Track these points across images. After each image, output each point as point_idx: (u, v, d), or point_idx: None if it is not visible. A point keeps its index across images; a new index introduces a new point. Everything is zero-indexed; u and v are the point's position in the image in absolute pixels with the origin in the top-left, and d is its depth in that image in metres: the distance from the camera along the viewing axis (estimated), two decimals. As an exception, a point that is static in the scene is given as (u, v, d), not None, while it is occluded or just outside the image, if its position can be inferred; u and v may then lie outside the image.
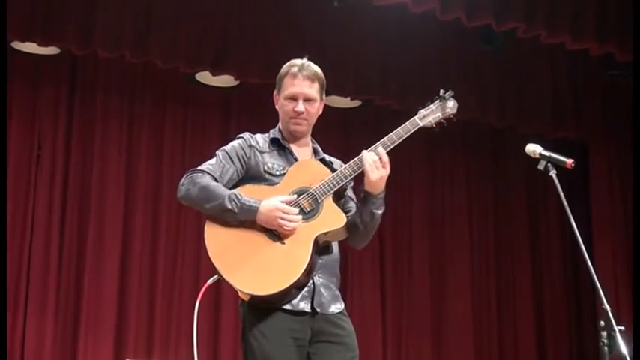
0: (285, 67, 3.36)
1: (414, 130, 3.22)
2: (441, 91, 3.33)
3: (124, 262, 6.59)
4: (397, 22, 6.31)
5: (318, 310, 3.11)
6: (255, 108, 6.94)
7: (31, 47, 6.21)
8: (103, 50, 6.09)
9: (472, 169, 7.99)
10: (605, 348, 2.76)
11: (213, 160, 3.24)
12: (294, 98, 3.28)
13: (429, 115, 3.27)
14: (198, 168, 3.21)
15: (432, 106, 3.29)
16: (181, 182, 3.19)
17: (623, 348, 2.72)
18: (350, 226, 3.22)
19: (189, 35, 6.27)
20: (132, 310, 6.52)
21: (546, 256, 8.06)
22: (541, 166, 3.16)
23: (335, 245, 3.27)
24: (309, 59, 3.36)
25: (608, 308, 2.79)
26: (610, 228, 7.57)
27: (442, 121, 3.29)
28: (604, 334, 2.77)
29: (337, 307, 3.19)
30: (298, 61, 3.34)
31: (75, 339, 6.35)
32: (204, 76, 6.74)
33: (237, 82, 6.84)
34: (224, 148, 3.29)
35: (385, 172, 3.13)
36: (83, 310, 6.38)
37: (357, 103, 7.17)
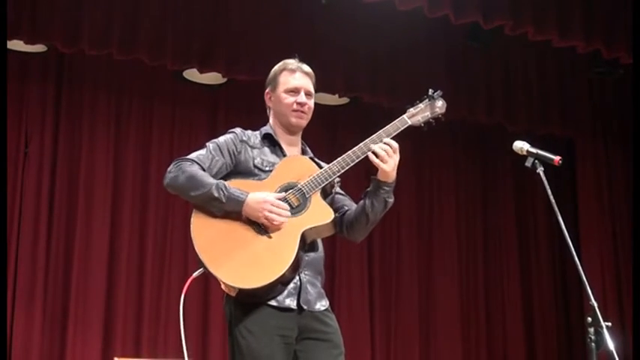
0: (279, 65, 3.40)
1: (402, 129, 3.23)
2: (430, 91, 3.32)
3: (112, 260, 6.57)
4: (385, 19, 6.32)
5: (305, 307, 3.11)
6: (243, 105, 6.93)
7: (17, 45, 6.18)
8: (90, 48, 6.06)
9: (460, 166, 8.01)
10: (593, 344, 2.76)
11: (203, 151, 3.23)
12: (296, 91, 3.32)
13: (418, 114, 3.28)
14: (187, 157, 3.19)
15: (420, 105, 3.30)
16: (169, 169, 3.17)
17: (610, 344, 2.73)
18: (354, 220, 3.24)
19: (177, 32, 6.24)
20: (120, 309, 6.50)
21: (534, 253, 8.08)
22: (528, 163, 3.16)
23: (320, 243, 3.28)
24: (300, 59, 3.40)
25: (596, 304, 2.79)
26: (597, 224, 7.60)
27: (430, 120, 3.30)
28: (591, 330, 2.77)
29: (322, 304, 3.19)
30: (292, 60, 3.39)
31: (63, 338, 6.32)
32: (192, 74, 6.72)
33: (224, 80, 6.83)
34: (215, 140, 3.28)
35: (397, 158, 3.15)
36: (71, 309, 6.35)
37: (345, 100, 7.16)
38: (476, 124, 7.56)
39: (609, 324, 2.77)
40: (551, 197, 3.05)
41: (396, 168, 3.16)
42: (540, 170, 3.13)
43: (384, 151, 3.12)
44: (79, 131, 6.67)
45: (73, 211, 6.54)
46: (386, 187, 3.17)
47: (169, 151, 6.90)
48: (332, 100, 7.01)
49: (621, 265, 7.47)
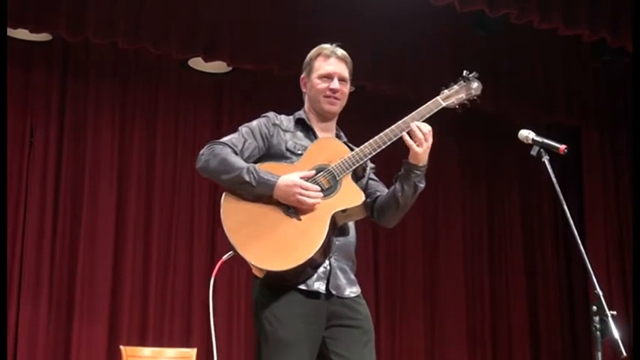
0: (315, 50, 3.35)
1: (436, 110, 3.17)
2: (465, 72, 3.28)
3: (118, 250, 6.59)
4: (390, 7, 6.30)
5: (334, 292, 3.07)
6: (248, 94, 6.93)
7: (22, 33, 6.18)
8: (95, 37, 6.05)
9: (465, 155, 8.00)
10: (598, 333, 2.76)
11: (235, 134, 3.19)
12: (329, 77, 3.27)
13: (452, 96, 3.22)
14: (220, 140, 3.16)
15: (455, 86, 3.24)
16: (201, 152, 3.14)
17: (615, 333, 2.73)
18: (385, 204, 3.20)
19: (182, 21, 6.24)
20: (126, 298, 6.52)
21: (539, 242, 8.09)
22: (534, 152, 3.14)
23: (352, 228, 3.23)
24: (339, 46, 3.35)
25: (601, 293, 2.79)
26: (602, 213, 7.59)
27: (465, 102, 3.24)
28: (596, 319, 2.77)
29: (353, 291, 3.15)
30: (328, 45, 3.34)
31: (69, 327, 6.35)
32: (197, 62, 6.73)
33: (229, 69, 6.83)
34: (247, 124, 3.24)
35: (430, 141, 3.10)
36: (77, 297, 6.37)
37: (349, 89, 7.14)
38: (481, 114, 7.54)
39: (614, 313, 2.77)
40: (557, 186, 3.05)
41: (428, 151, 3.11)
42: (546, 159, 3.11)
43: (421, 133, 3.07)
44: (84, 120, 6.68)
45: (79, 200, 6.55)
46: (417, 171, 3.11)
47: (174, 139, 6.91)
48: (336, 88, 6.99)
49: (626, 254, 7.46)
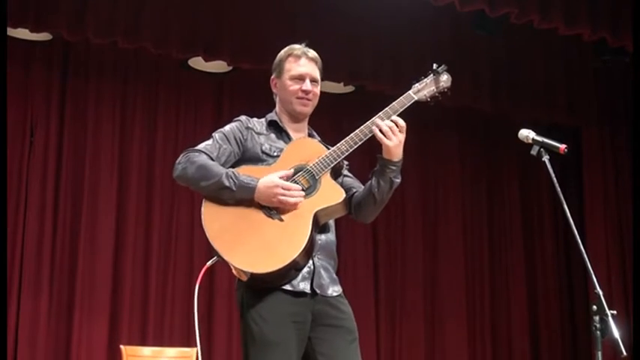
0: (285, 51, 3.35)
1: (408, 104, 3.18)
2: (434, 65, 3.29)
3: (118, 248, 6.59)
4: (390, 6, 6.30)
5: (318, 291, 3.08)
6: (248, 93, 6.93)
7: (22, 33, 6.18)
8: (95, 36, 6.06)
9: (465, 155, 8.00)
10: (598, 332, 2.76)
11: (209, 141, 3.19)
12: (301, 78, 3.27)
13: (424, 89, 3.24)
14: (195, 147, 3.16)
15: (425, 80, 3.26)
16: (178, 161, 3.14)
17: (616, 332, 2.73)
18: (362, 200, 3.20)
19: (182, 21, 6.24)
20: (126, 297, 6.53)
21: (539, 241, 8.09)
22: (534, 152, 3.15)
23: (332, 225, 3.25)
24: (307, 45, 3.36)
25: (601, 293, 2.79)
26: (602, 213, 7.59)
27: (437, 94, 3.26)
28: (596, 318, 2.77)
29: (335, 290, 3.17)
30: (298, 45, 3.34)
31: (69, 327, 6.35)
32: (197, 62, 6.73)
33: (230, 68, 6.83)
34: (221, 129, 3.24)
35: (402, 136, 3.09)
36: (77, 297, 6.37)
37: (350, 88, 7.16)
38: (481, 113, 7.55)
39: (614, 312, 2.77)
40: (557, 185, 3.05)
41: (401, 146, 3.10)
42: (546, 158, 3.12)
43: (388, 128, 3.07)
44: (85, 119, 6.68)
45: (79, 199, 6.55)
46: (392, 166, 3.11)
47: (174, 139, 6.91)
48: (337, 88, 7.01)
49: (627, 254, 7.46)
